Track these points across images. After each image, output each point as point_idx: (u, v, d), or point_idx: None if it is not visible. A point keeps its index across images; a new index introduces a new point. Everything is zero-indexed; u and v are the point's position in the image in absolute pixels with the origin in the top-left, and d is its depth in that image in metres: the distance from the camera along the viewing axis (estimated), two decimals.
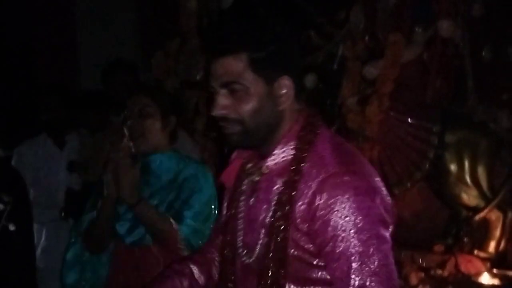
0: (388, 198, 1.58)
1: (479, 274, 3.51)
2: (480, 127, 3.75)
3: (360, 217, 1.50)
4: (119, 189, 2.38)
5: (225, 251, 1.77)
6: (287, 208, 1.57)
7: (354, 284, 1.49)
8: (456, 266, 3.58)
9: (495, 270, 3.55)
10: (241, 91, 1.59)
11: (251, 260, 1.67)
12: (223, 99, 1.61)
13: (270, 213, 1.61)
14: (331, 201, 1.51)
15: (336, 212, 1.51)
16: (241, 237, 1.71)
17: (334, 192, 1.52)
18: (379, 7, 3.91)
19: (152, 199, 2.50)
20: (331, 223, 1.51)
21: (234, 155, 1.87)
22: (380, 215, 1.52)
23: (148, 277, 2.45)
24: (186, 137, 3.75)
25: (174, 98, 2.76)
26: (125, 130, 2.52)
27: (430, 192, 3.96)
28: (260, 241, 1.64)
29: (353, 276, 1.50)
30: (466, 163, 3.72)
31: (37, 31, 5.64)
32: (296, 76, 1.63)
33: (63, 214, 3.80)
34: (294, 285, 1.60)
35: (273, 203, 1.61)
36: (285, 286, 1.59)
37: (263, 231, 1.63)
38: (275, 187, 1.63)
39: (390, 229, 1.57)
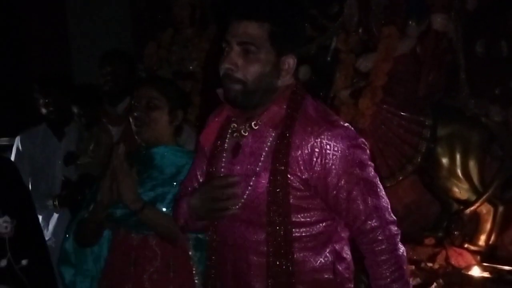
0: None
1: (469, 267, 3.53)
2: (472, 121, 3.76)
3: (357, 157, 1.79)
4: (121, 196, 2.32)
5: None
6: (285, 156, 1.78)
7: (365, 211, 1.80)
8: (447, 259, 3.60)
9: (485, 264, 3.57)
10: (254, 54, 1.78)
11: (235, 208, 1.87)
12: (235, 55, 1.80)
13: (261, 163, 1.82)
14: (331, 150, 1.77)
15: (336, 158, 1.77)
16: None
17: (332, 142, 1.77)
18: (373, 0, 3.91)
19: (153, 192, 2.46)
20: (334, 169, 1.77)
21: (210, 117, 2.05)
22: (365, 150, 1.84)
23: (145, 271, 2.46)
24: (189, 130, 3.75)
25: (183, 92, 2.74)
26: (131, 120, 2.50)
27: (421, 185, 3.99)
28: (249, 188, 1.84)
29: (362, 206, 1.80)
30: (458, 157, 3.74)
31: (28, 23, 5.60)
32: (301, 55, 1.88)
33: (56, 203, 3.78)
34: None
35: (263, 154, 1.83)
36: (291, 230, 1.81)
37: (253, 179, 1.83)
38: (266, 140, 1.84)
39: None
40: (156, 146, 2.51)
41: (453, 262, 3.57)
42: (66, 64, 5.57)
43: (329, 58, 4.09)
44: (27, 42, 5.59)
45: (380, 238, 1.81)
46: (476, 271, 3.50)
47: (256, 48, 1.77)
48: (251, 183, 1.83)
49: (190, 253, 2.47)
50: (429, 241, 3.75)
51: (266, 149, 1.83)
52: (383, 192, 1.86)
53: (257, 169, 1.82)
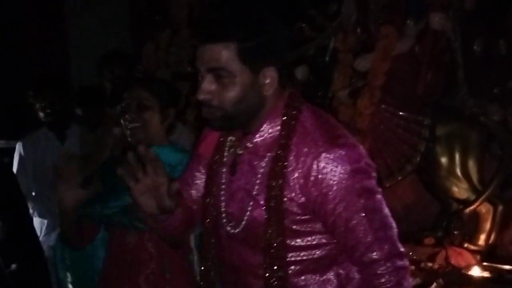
0: (368, 156, 1.72)
1: (469, 266, 3.52)
2: (471, 120, 3.75)
3: (358, 183, 1.65)
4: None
5: (207, 220, 1.84)
6: (280, 180, 1.66)
7: (364, 241, 1.66)
8: (446, 258, 3.58)
9: (485, 263, 3.56)
10: (227, 78, 1.64)
11: (236, 230, 1.76)
12: (208, 84, 1.66)
13: (258, 186, 1.71)
14: (329, 174, 1.63)
15: (334, 183, 1.64)
16: (224, 208, 1.79)
17: (330, 166, 1.63)
18: (371, 0, 3.90)
19: None
20: (331, 195, 1.65)
21: (207, 130, 1.92)
22: (369, 174, 1.69)
23: (141, 273, 2.45)
24: (181, 127, 3.74)
25: (173, 89, 2.74)
26: (122, 122, 2.50)
27: (420, 185, 3.98)
28: (248, 213, 1.73)
29: (361, 235, 1.66)
30: (457, 156, 3.72)
31: (27, 23, 5.59)
32: (281, 67, 1.70)
33: None
34: (288, 252, 1.71)
35: (259, 176, 1.71)
36: (287, 255, 1.70)
37: (251, 203, 1.72)
38: (262, 162, 1.72)
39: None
40: (148, 146, 2.50)
41: (453, 262, 3.56)
42: (65, 65, 5.56)
43: (327, 58, 4.08)
44: (25, 42, 5.58)
45: (379, 272, 1.66)
46: (476, 271, 3.49)
47: (227, 72, 1.64)
48: (249, 207, 1.72)
49: (190, 255, 2.47)
50: (429, 240, 3.75)
51: (261, 170, 1.71)
52: (389, 220, 1.70)
53: (254, 192, 1.71)
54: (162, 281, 2.48)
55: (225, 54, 1.62)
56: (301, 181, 1.66)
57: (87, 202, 2.49)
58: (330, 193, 1.64)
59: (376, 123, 3.83)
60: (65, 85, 4.03)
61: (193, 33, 1.72)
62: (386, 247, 1.67)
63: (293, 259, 1.72)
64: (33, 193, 3.92)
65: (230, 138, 1.82)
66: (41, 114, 3.87)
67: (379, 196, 1.70)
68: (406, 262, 1.72)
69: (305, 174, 1.65)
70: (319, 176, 1.64)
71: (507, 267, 3.51)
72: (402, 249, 1.72)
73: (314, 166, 1.64)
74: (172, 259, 2.48)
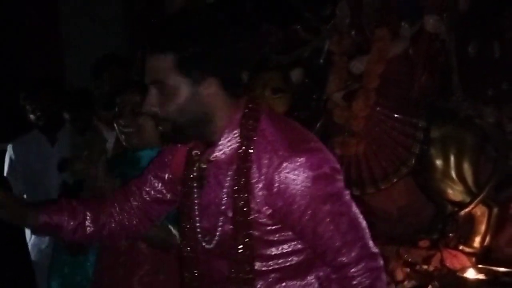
0: (334, 159, 1.70)
1: (464, 269, 3.51)
2: (466, 123, 3.74)
3: (322, 189, 1.63)
4: None
5: (186, 238, 1.83)
6: (245, 194, 1.64)
7: (332, 245, 1.65)
8: (442, 261, 3.57)
9: (480, 265, 3.55)
10: (167, 90, 1.64)
11: (211, 246, 1.75)
12: (151, 96, 1.68)
13: (225, 200, 1.69)
14: (291, 184, 1.61)
15: (297, 193, 1.62)
16: (198, 223, 1.79)
17: (292, 175, 1.61)
18: (365, 2, 3.90)
19: None
20: (296, 204, 1.63)
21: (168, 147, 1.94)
22: (334, 178, 1.67)
23: (135, 274, 2.45)
24: None
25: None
26: (116, 128, 2.50)
27: (415, 188, 3.96)
28: (220, 228, 1.72)
29: (329, 240, 1.65)
30: (452, 159, 3.72)
31: (22, 25, 5.58)
32: (227, 76, 1.67)
33: None
34: (258, 263, 1.70)
35: (224, 190, 1.69)
36: (254, 266, 1.69)
37: (221, 218, 1.71)
38: (226, 175, 1.70)
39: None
40: (142, 150, 2.51)
41: (448, 264, 3.55)
42: (60, 68, 5.55)
43: (322, 61, 4.08)
44: (20, 45, 5.57)
45: (350, 274, 1.66)
46: (471, 273, 3.48)
47: (167, 83, 1.64)
48: (220, 222, 1.72)
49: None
50: (424, 243, 3.73)
51: (226, 184, 1.69)
52: (358, 221, 1.69)
53: (222, 207, 1.70)
54: (156, 282, 2.48)
55: (164, 65, 1.63)
56: (265, 192, 1.64)
57: None
58: (294, 202, 1.63)
59: (371, 125, 3.83)
60: (57, 88, 4.02)
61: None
62: (355, 249, 1.66)
63: (271, 268, 1.71)
64: (24, 196, 3.91)
65: (195, 152, 1.81)
66: (32, 117, 3.86)
67: (346, 199, 1.69)
68: (379, 263, 1.70)
69: (268, 185, 1.63)
70: (282, 186, 1.62)
71: (502, 269, 3.50)
72: (374, 250, 1.71)
73: (276, 177, 1.62)
74: (165, 260, 2.48)
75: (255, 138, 1.67)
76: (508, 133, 3.73)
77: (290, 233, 1.70)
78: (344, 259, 1.66)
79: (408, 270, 3.57)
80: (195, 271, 1.83)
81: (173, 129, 1.69)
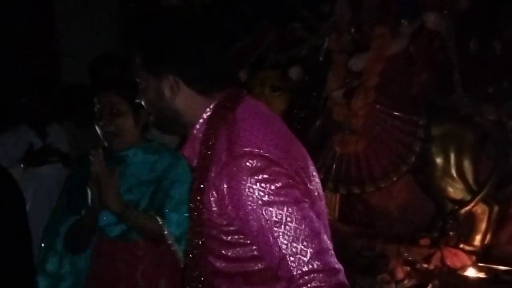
0: (295, 159, 1.64)
1: (464, 267, 3.51)
2: (466, 120, 3.74)
3: (262, 193, 1.56)
4: (104, 200, 2.35)
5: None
6: (200, 193, 1.65)
7: (279, 254, 1.55)
8: (442, 259, 3.57)
9: (480, 264, 3.55)
10: (141, 84, 1.76)
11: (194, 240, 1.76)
12: (140, 91, 1.79)
13: (191, 197, 1.71)
14: (232, 186, 1.58)
15: (240, 195, 1.57)
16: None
17: (233, 177, 1.58)
18: (364, 0, 3.90)
19: (130, 194, 2.48)
20: (239, 206, 1.58)
21: None
22: (280, 181, 1.57)
23: (137, 269, 2.46)
24: None
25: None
26: (98, 130, 2.49)
27: (416, 186, 3.96)
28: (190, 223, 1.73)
29: (276, 248, 1.55)
30: (452, 156, 3.71)
31: (16, 23, 5.55)
32: (188, 74, 1.71)
33: (22, 164, 3.72)
34: (218, 263, 1.69)
35: (192, 187, 1.71)
36: (209, 263, 1.69)
37: (190, 214, 1.73)
38: (194, 173, 1.73)
39: (310, 185, 1.67)
40: (125, 149, 2.51)
41: (448, 263, 3.55)
42: (55, 68, 5.53)
43: (321, 58, 4.08)
44: (15, 44, 5.54)
45: (294, 287, 1.54)
46: (471, 272, 3.48)
47: (139, 79, 1.77)
48: (190, 217, 1.74)
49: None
50: (424, 241, 3.72)
51: (195, 182, 1.70)
52: (308, 231, 1.56)
53: (191, 204, 1.71)
54: (157, 273, 2.51)
55: (138, 61, 1.74)
56: (215, 194, 1.62)
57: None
58: (238, 206, 1.59)
59: (370, 123, 3.82)
60: (48, 85, 3.98)
61: None
62: (301, 261, 1.54)
63: (236, 270, 1.68)
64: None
65: None
66: (25, 113, 3.83)
67: (293, 205, 1.57)
68: (337, 279, 1.55)
69: (216, 188, 1.61)
70: (227, 191, 1.59)
71: (502, 267, 3.51)
72: (333, 265, 1.56)
73: (221, 181, 1.60)
74: (163, 251, 2.51)
75: (217, 135, 1.67)
76: (508, 131, 3.71)
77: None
78: (289, 270, 1.54)
79: (408, 268, 3.56)
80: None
81: (154, 119, 1.80)
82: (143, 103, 1.79)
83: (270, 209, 1.56)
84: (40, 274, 2.57)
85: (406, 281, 3.52)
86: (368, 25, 3.89)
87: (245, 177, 1.56)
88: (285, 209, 1.56)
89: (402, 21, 3.80)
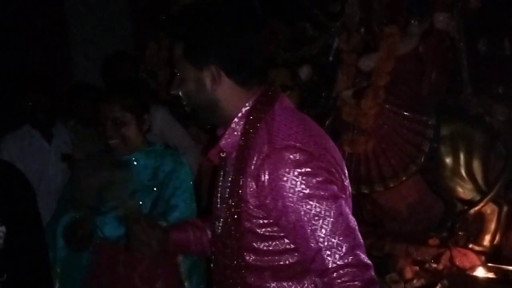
0: (332, 156, 1.67)
1: (474, 267, 3.51)
2: (475, 120, 3.74)
3: (303, 186, 1.59)
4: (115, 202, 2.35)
5: (212, 225, 1.89)
6: (237, 184, 1.67)
7: (315, 247, 1.59)
8: (451, 259, 3.57)
9: (490, 264, 3.55)
10: (179, 75, 1.78)
11: (219, 231, 1.80)
12: (175, 80, 1.80)
13: (228, 189, 1.73)
14: (273, 177, 1.61)
15: (280, 186, 1.60)
16: (216, 211, 1.84)
17: (275, 168, 1.61)
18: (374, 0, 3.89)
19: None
20: (279, 197, 1.61)
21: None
22: (322, 177, 1.61)
23: (135, 271, 2.48)
24: (179, 126, 3.79)
25: (142, 93, 2.74)
26: (103, 138, 2.53)
27: (425, 185, 3.96)
28: (223, 215, 1.75)
29: (312, 241, 1.59)
30: (461, 156, 3.71)
31: (28, 22, 5.58)
32: (230, 65, 1.73)
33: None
34: (248, 256, 1.70)
35: (229, 179, 1.73)
36: (244, 256, 1.70)
37: (224, 205, 1.75)
38: (231, 163, 1.74)
39: (345, 182, 1.71)
40: (128, 154, 2.53)
41: (457, 263, 3.55)
42: (67, 66, 5.55)
43: (331, 58, 4.08)
44: (27, 43, 5.57)
45: (330, 282, 1.57)
46: (480, 272, 3.48)
47: (178, 69, 1.77)
48: (224, 208, 1.74)
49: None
50: (433, 241, 3.73)
51: (231, 173, 1.73)
52: (345, 227, 1.60)
53: (226, 195, 1.73)
54: (155, 276, 2.54)
55: (178, 51, 1.75)
56: (254, 185, 1.64)
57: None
58: (278, 198, 1.61)
59: (380, 123, 3.82)
60: (51, 84, 3.96)
61: None
62: (337, 255, 1.57)
63: (265, 264, 1.70)
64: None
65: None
66: (27, 113, 3.81)
67: (332, 200, 1.61)
68: (369, 274, 1.59)
69: (256, 178, 1.63)
70: (267, 181, 1.61)
71: None
72: (365, 260, 1.60)
73: (261, 171, 1.62)
74: (163, 254, 2.51)
75: (257, 129, 1.69)
76: None
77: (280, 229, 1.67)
78: (324, 263, 1.58)
79: (417, 268, 3.57)
80: (213, 257, 1.87)
81: (191, 111, 1.80)
82: (180, 94, 1.78)
83: (310, 202, 1.59)
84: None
85: (415, 281, 3.53)
86: (378, 25, 3.88)
87: (287, 169, 1.59)
88: (324, 203, 1.59)
89: (412, 21, 3.80)
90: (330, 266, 1.57)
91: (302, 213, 1.59)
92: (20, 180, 2.34)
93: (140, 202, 2.50)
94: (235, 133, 1.74)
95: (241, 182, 1.66)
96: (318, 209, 1.59)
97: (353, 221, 1.63)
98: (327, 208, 1.59)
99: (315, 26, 4.10)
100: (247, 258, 1.70)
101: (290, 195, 1.59)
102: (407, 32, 3.81)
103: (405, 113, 3.80)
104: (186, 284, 2.59)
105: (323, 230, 1.58)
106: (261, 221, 1.67)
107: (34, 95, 3.77)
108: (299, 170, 1.59)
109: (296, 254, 1.68)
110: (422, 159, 3.76)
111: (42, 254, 2.34)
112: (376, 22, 3.90)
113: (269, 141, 1.64)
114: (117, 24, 5.61)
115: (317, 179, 1.60)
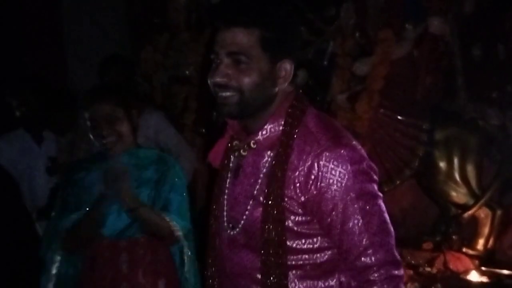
0: (370, 161, 1.68)
1: (467, 271, 3.52)
2: (470, 125, 3.75)
3: (358, 185, 1.61)
4: (122, 196, 2.40)
5: (212, 226, 1.85)
6: (281, 178, 1.64)
7: (363, 244, 1.62)
8: (445, 263, 3.58)
9: (483, 268, 3.56)
10: (245, 64, 1.63)
11: (234, 232, 1.74)
12: (226, 67, 1.65)
13: (259, 185, 1.69)
14: (329, 173, 1.61)
15: (333, 183, 1.60)
16: (226, 212, 1.78)
17: (331, 164, 1.60)
18: (369, 4, 3.90)
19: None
20: (330, 194, 1.61)
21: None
22: (371, 177, 1.65)
23: (138, 268, 2.51)
24: (172, 128, 3.79)
25: (128, 90, 2.74)
26: (93, 138, 2.53)
27: (419, 190, 3.97)
28: (247, 212, 1.71)
29: (359, 238, 1.62)
30: (456, 161, 3.72)
31: (23, 25, 5.56)
32: (295, 62, 1.69)
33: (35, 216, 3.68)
34: (288, 254, 1.68)
35: (261, 175, 1.69)
36: (285, 257, 1.67)
37: (250, 202, 1.70)
38: (263, 161, 1.70)
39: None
40: (119, 154, 2.55)
41: (451, 267, 3.56)
42: (62, 69, 5.53)
43: (325, 62, 4.08)
44: (22, 46, 5.55)
45: (372, 278, 1.62)
46: (474, 276, 3.49)
47: (247, 58, 1.63)
48: (249, 206, 1.70)
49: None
50: (427, 245, 3.74)
51: (264, 170, 1.69)
52: (387, 226, 1.65)
53: (255, 192, 1.69)
54: (157, 272, 2.55)
55: (248, 39, 1.62)
56: (302, 179, 1.63)
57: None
58: (328, 192, 1.61)
59: (374, 127, 3.83)
60: (42, 85, 3.95)
61: (214, 16, 1.70)
62: (381, 253, 1.63)
63: (294, 263, 1.68)
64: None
65: (235, 142, 1.80)
66: (17, 113, 3.80)
67: (379, 201, 1.65)
68: (401, 271, 1.66)
69: (306, 172, 1.62)
70: (319, 175, 1.61)
71: (505, 272, 3.51)
72: (398, 258, 1.67)
73: (315, 165, 1.61)
74: (162, 251, 2.57)
75: (298, 127, 1.67)
76: None
77: (318, 227, 1.67)
78: (367, 260, 1.62)
79: (411, 272, 3.57)
80: (221, 267, 1.82)
81: (239, 101, 1.66)
82: (242, 80, 1.64)
83: (362, 200, 1.62)
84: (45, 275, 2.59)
85: (409, 285, 3.52)
86: (373, 29, 3.89)
87: (344, 166, 1.60)
88: (371, 202, 1.63)
89: (407, 25, 3.81)
90: (371, 263, 1.62)
91: (351, 209, 1.61)
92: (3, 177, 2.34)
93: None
94: (274, 128, 1.70)
95: (285, 178, 1.63)
96: (368, 207, 1.62)
97: (388, 219, 1.67)
98: (375, 207, 1.63)
99: (310, 30, 4.09)
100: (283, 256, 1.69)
101: (344, 191, 1.61)
102: (402, 37, 3.82)
103: (399, 117, 3.81)
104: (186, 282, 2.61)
105: (370, 228, 1.62)
106: (300, 218, 1.67)
107: (21, 94, 3.76)
108: (355, 167, 1.61)
109: (329, 252, 1.69)
110: (417, 163, 3.78)
111: (27, 248, 2.35)
112: (371, 26, 3.91)
113: (322, 138, 1.64)
114: (113, 28, 5.59)
115: (369, 177, 1.63)
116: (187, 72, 4.55)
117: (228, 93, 1.66)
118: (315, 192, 1.62)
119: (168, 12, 4.76)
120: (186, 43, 4.64)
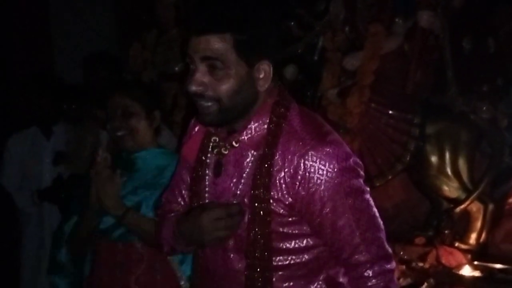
0: (356, 156, 1.68)
1: (460, 266, 3.51)
2: (460, 118, 3.74)
3: (346, 183, 1.60)
4: (102, 202, 2.32)
5: None
6: (266, 180, 1.61)
7: (355, 241, 1.62)
8: (437, 258, 3.57)
9: (476, 262, 3.55)
10: (221, 70, 1.59)
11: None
12: (201, 75, 1.61)
13: (242, 186, 1.66)
14: (316, 173, 1.58)
15: (321, 182, 1.59)
16: None
17: (318, 164, 1.58)
18: None
19: (135, 195, 2.45)
20: (318, 194, 1.59)
21: (191, 125, 1.86)
22: (358, 173, 1.64)
23: (131, 274, 2.45)
24: (165, 128, 3.73)
25: (155, 91, 2.71)
26: (110, 131, 2.49)
27: (411, 184, 3.96)
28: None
29: (351, 235, 1.62)
30: (447, 155, 3.71)
31: (10, 22, 5.52)
32: (274, 61, 1.66)
33: (35, 197, 3.76)
34: (274, 256, 1.66)
35: (244, 175, 1.66)
36: (271, 260, 1.65)
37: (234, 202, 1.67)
38: (247, 160, 1.67)
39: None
40: (137, 151, 2.49)
41: (443, 261, 3.55)
42: (49, 66, 5.50)
43: (316, 57, 4.07)
44: (9, 43, 5.52)
45: (367, 274, 1.63)
46: (467, 270, 3.48)
47: (223, 64, 1.58)
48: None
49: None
50: (419, 240, 3.73)
51: (247, 170, 1.65)
52: (377, 221, 1.66)
53: (238, 192, 1.66)
54: (152, 282, 2.48)
55: (221, 45, 1.58)
56: (288, 180, 1.60)
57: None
58: (317, 192, 1.59)
59: (365, 122, 3.81)
60: (49, 81, 3.98)
61: (188, 24, 1.65)
62: (373, 249, 1.64)
63: (280, 263, 1.67)
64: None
65: (214, 138, 1.75)
66: (27, 110, 3.85)
67: (367, 196, 1.65)
68: (393, 265, 1.68)
69: (292, 173, 1.60)
70: (306, 175, 1.58)
71: (498, 266, 3.50)
72: (389, 251, 1.69)
73: (301, 165, 1.59)
74: (161, 260, 2.47)
75: (283, 126, 1.64)
76: (503, 129, 3.71)
77: (304, 227, 1.65)
78: (361, 257, 1.63)
79: (403, 267, 3.56)
80: (204, 267, 1.78)
81: (219, 109, 1.62)
82: (219, 87, 1.59)
83: (350, 196, 1.61)
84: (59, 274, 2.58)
85: (401, 280, 3.51)
86: (362, 23, 3.87)
87: (330, 164, 1.58)
88: (361, 197, 1.63)
89: (397, 19, 3.79)
90: (364, 260, 1.63)
91: (341, 207, 1.61)
92: None
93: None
94: (258, 127, 1.66)
95: (271, 180, 1.60)
96: (357, 204, 1.61)
97: (377, 213, 1.67)
98: (364, 203, 1.63)
99: (299, 25, 4.08)
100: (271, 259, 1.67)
101: (332, 190, 1.59)
102: (392, 31, 3.80)
103: (390, 112, 3.79)
104: None
105: (360, 225, 1.62)
106: (286, 219, 1.64)
107: (31, 92, 3.80)
108: (342, 165, 1.59)
109: (315, 250, 1.68)
110: (408, 158, 3.76)
111: None
112: (360, 20, 3.89)
113: (306, 137, 1.61)
114: (101, 25, 5.58)
115: (356, 173, 1.62)
116: (176, 68, 4.53)
117: (207, 103, 1.62)
118: (303, 193, 1.60)
119: (156, 9, 4.72)
120: (174, 40, 4.62)
